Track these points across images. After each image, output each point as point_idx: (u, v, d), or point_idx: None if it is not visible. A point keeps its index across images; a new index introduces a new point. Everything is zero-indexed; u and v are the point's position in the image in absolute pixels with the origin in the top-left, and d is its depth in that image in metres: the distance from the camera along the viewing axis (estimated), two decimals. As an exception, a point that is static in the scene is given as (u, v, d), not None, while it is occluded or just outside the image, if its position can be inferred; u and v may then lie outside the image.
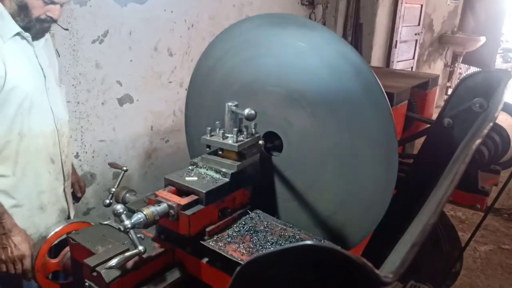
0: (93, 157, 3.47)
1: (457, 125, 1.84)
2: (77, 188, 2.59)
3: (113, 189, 2.35)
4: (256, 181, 2.01)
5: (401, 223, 1.87)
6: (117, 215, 1.61)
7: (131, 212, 2.09)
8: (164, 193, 1.78)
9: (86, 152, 3.42)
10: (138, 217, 1.61)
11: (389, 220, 1.84)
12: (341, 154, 1.89)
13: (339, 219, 1.97)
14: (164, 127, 3.97)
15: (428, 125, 2.29)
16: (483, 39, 8.93)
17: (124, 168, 2.41)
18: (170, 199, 1.73)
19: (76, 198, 2.66)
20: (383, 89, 1.69)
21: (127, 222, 1.58)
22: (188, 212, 1.70)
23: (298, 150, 2.02)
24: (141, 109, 3.74)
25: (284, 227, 1.90)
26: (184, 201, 1.72)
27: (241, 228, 1.87)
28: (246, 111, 1.75)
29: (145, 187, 3.90)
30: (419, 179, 1.92)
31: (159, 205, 1.70)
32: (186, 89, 4.00)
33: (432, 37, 8.71)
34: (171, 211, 1.70)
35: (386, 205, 1.81)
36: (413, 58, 7.86)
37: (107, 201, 2.34)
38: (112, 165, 2.53)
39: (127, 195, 2.30)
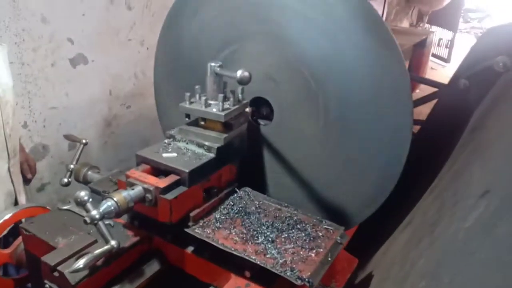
0: (44, 126, 3.05)
1: (474, 87, 1.64)
2: (26, 168, 2.21)
3: (72, 166, 2.01)
4: (243, 155, 1.74)
5: (404, 199, 1.67)
6: (81, 203, 1.31)
7: (95, 193, 1.78)
8: (137, 174, 1.47)
9: (35, 121, 2.99)
10: (107, 205, 1.31)
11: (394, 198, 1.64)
12: (342, 118, 1.63)
13: (338, 194, 1.74)
14: (124, 91, 3.56)
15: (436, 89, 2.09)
16: (448, -2, 8.82)
17: (83, 141, 2.07)
18: (145, 180, 1.43)
19: (26, 180, 2.28)
20: (394, 38, 1.43)
21: (95, 213, 1.28)
22: (169, 196, 1.41)
23: (290, 116, 1.75)
24: (98, 71, 3.31)
25: (279, 206, 1.66)
26: (163, 182, 1.42)
27: (230, 210, 1.61)
28: (239, 72, 1.45)
29: (106, 159, 3.53)
30: (427, 147, 1.72)
31: (133, 189, 1.40)
32: (147, 48, 3.61)
33: (399, -4, 8.50)
34: (148, 195, 1.41)
35: (394, 179, 1.60)
36: (382, 17, 7.65)
37: (65, 180, 2.00)
38: (68, 137, 2.17)
39: (89, 172, 1.97)
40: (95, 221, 1.27)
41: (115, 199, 1.32)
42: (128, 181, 1.45)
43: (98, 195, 1.76)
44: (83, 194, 1.30)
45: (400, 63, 1.45)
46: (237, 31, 1.80)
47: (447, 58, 9.53)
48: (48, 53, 2.99)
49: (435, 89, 2.01)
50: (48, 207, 2.00)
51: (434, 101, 1.97)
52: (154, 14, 3.70)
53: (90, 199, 1.31)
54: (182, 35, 1.94)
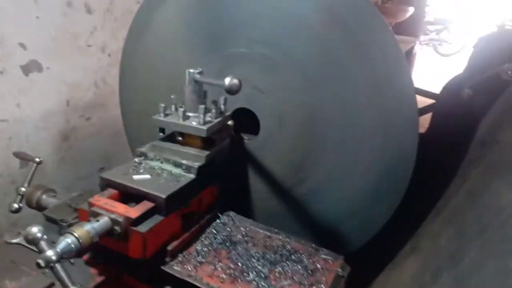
0: (-9, 141, 2.71)
1: (479, 97, 1.51)
2: None
3: (23, 189, 1.72)
4: (225, 174, 1.53)
5: (402, 216, 1.51)
6: (32, 242, 1.05)
7: (51, 222, 1.51)
8: (102, 201, 1.23)
9: (-20, 136, 2.64)
10: (66, 242, 1.05)
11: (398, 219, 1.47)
12: (341, 133, 1.46)
13: (335, 217, 1.56)
14: (84, 101, 3.25)
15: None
16: (411, 9, 8.98)
17: (37, 160, 1.79)
18: (113, 209, 1.19)
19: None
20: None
21: (51, 253, 1.02)
22: (142, 227, 1.17)
23: (280, 130, 1.56)
24: (53, 79, 2.99)
25: (268, 233, 1.46)
26: (134, 212, 1.18)
27: (213, 240, 1.38)
28: (227, 80, 1.24)
29: (63, 176, 3.20)
30: (427, 161, 1.57)
31: (97, 220, 1.15)
32: (109, 55, 3.32)
33: (362, 7, 8.54)
34: (116, 227, 1.16)
35: (397, 198, 1.43)
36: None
37: (15, 205, 1.72)
38: (18, 155, 1.89)
39: (44, 196, 1.69)
40: (52, 264, 1.02)
41: (76, 234, 1.07)
42: (91, 210, 1.20)
43: (55, 224, 1.50)
44: (35, 230, 1.04)
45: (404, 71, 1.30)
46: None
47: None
48: (-4, 59, 2.65)
49: (428, 100, 1.89)
50: (-7, 240, 1.70)
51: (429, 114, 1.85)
52: (117, 19, 3.43)
53: (45, 236, 1.06)
54: (159, 29, 1.71)
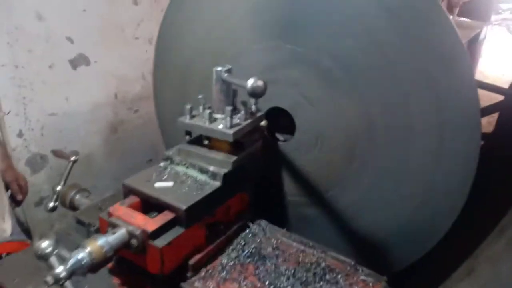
0: (42, 134, 2.78)
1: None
2: (15, 188, 1.91)
3: (58, 188, 1.72)
4: (257, 179, 1.41)
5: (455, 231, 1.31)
6: (42, 258, 1.00)
7: (80, 224, 1.48)
8: (122, 210, 1.16)
9: (32, 129, 2.71)
10: (77, 259, 0.99)
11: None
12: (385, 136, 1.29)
13: (379, 231, 1.40)
14: (132, 94, 3.27)
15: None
16: (481, -13, 8.26)
17: (72, 158, 1.78)
18: (131, 220, 1.11)
19: (16, 202, 1.99)
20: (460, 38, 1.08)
21: (60, 270, 0.96)
22: (160, 241, 1.09)
23: (316, 131, 1.41)
24: (101, 72, 3.01)
25: (302, 246, 1.32)
26: (153, 224, 1.10)
27: (241, 252, 1.28)
28: (251, 82, 1.11)
29: (112, 167, 3.25)
30: (491, 169, 1.36)
31: (114, 232, 1.08)
32: (157, 47, 3.31)
33: (428, -14, 7.99)
34: (133, 240, 1.09)
35: (453, 214, 1.24)
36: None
37: (51, 204, 1.73)
38: (56, 153, 1.90)
39: (77, 196, 1.67)
40: (61, 282, 0.96)
41: (88, 249, 1.01)
42: (110, 220, 1.13)
43: (83, 227, 1.46)
44: (45, 245, 0.99)
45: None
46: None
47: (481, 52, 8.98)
48: (45, 54, 2.71)
49: (495, 95, 1.64)
50: (29, 241, 1.71)
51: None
52: (164, 10, 3.38)
53: (55, 251, 1.00)
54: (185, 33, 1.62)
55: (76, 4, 2.76)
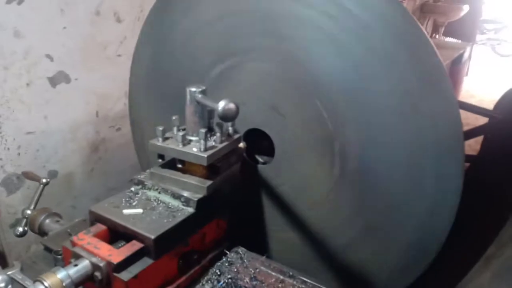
0: (18, 154, 2.68)
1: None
2: None
3: (28, 212, 1.63)
4: (235, 203, 1.34)
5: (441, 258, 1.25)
6: (-7, 294, 0.92)
7: (48, 251, 1.39)
8: (86, 239, 1.08)
9: (8, 149, 2.62)
10: (33, 295, 0.91)
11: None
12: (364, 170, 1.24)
13: (357, 259, 1.33)
14: (114, 112, 3.19)
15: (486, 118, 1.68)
16: (466, 8, 8.39)
17: (43, 180, 1.70)
18: (95, 251, 1.04)
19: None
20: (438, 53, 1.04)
21: (12, 308, 0.88)
22: (125, 275, 1.01)
23: (296, 154, 1.36)
24: (82, 90, 2.94)
25: (281, 276, 1.25)
26: (118, 255, 1.03)
27: (215, 283, 1.20)
28: (222, 104, 1.05)
29: (93, 188, 3.15)
30: (475, 194, 1.31)
31: (76, 264, 1.01)
32: (140, 64, 3.25)
33: (414, 6, 8.10)
34: (97, 273, 1.01)
35: (437, 244, 1.18)
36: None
37: (20, 229, 1.63)
38: (27, 175, 1.81)
39: (47, 221, 1.59)
40: (13, 321, 0.88)
41: (46, 284, 0.93)
42: (73, 250, 1.06)
43: (51, 254, 1.38)
44: (-3, 280, 0.91)
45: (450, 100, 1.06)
46: (238, 42, 1.42)
47: (465, 72, 9.09)
48: (22, 72, 2.63)
49: (479, 117, 1.61)
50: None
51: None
52: (148, 27, 3.33)
53: (10, 286, 0.92)
54: (168, 38, 1.56)
55: (56, 22, 2.70)
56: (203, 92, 1.17)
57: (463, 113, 1.23)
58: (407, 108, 1.15)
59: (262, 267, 1.28)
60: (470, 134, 1.75)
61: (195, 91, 1.17)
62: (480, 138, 1.99)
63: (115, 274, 1.00)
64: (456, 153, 1.13)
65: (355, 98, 1.21)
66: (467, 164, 1.70)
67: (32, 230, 1.60)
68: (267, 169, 1.43)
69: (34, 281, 0.95)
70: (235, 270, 1.26)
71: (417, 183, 1.18)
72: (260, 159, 1.46)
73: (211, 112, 1.24)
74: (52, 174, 2.92)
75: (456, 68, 2.03)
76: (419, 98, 1.13)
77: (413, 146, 1.16)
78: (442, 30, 9.25)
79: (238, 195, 1.34)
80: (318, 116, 1.26)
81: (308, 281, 1.24)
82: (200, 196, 1.17)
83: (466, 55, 2.10)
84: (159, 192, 1.22)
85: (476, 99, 6.07)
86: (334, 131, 1.25)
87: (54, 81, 2.78)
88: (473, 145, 2.44)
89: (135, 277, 1.01)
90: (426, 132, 1.14)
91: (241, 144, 1.34)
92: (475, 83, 7.38)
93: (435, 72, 1.10)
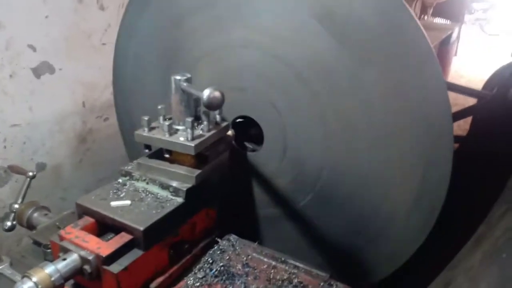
0: (5, 147, 2.64)
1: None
2: None
3: (16, 206, 1.61)
4: (225, 192, 1.33)
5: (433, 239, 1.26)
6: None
7: (37, 245, 1.38)
8: (74, 232, 1.07)
9: (-6, 142, 2.58)
10: (22, 290, 0.90)
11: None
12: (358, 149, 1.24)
13: (354, 241, 1.34)
14: (100, 101, 3.14)
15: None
16: (454, -12, 8.37)
17: (30, 174, 1.67)
18: (83, 244, 1.03)
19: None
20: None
21: (0, 304, 0.87)
22: (115, 267, 1.00)
23: (288, 139, 1.34)
24: (67, 80, 2.89)
25: (273, 262, 1.25)
26: (107, 248, 1.02)
27: (208, 271, 1.20)
28: (207, 92, 1.04)
29: (81, 179, 3.12)
30: (465, 174, 1.31)
31: (64, 258, 1.00)
32: (126, 52, 3.20)
33: (401, -13, 8.04)
34: (86, 266, 1.00)
35: (431, 218, 1.18)
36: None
37: (9, 223, 1.61)
38: (13, 168, 1.78)
39: (35, 215, 1.57)
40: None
41: (34, 279, 0.92)
42: (61, 244, 1.04)
43: (40, 247, 1.36)
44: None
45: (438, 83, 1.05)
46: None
47: (454, 52, 9.09)
48: (4, 63, 2.58)
49: (467, 98, 1.61)
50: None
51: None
52: (132, 14, 3.26)
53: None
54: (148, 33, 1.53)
55: (38, 11, 2.63)
56: (188, 80, 1.15)
57: (453, 94, 1.22)
58: (395, 91, 1.14)
59: (254, 254, 1.27)
60: (460, 115, 1.75)
61: (179, 79, 1.14)
62: (469, 119, 2.00)
63: (105, 267, 0.99)
64: (446, 134, 1.13)
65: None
66: (456, 145, 1.70)
67: (21, 224, 1.58)
68: (255, 155, 1.41)
69: (22, 277, 0.94)
70: (227, 257, 1.25)
71: (407, 166, 1.18)
72: (249, 146, 1.45)
73: (197, 101, 1.22)
74: (40, 167, 2.88)
75: (444, 49, 2.02)
76: (408, 81, 1.12)
77: (403, 128, 1.15)
78: (430, 11, 9.24)
79: (227, 183, 1.33)
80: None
81: (301, 265, 1.24)
82: (189, 185, 1.16)
83: (454, 35, 2.09)
84: (147, 183, 1.20)
85: (465, 79, 6.08)
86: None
87: (38, 71, 2.73)
88: (462, 126, 2.45)
89: (125, 269, 1.00)
90: (415, 114, 1.13)
91: (230, 132, 1.32)
92: (464, 63, 7.39)
93: (423, 54, 1.08)
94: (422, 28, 1.08)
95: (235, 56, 1.33)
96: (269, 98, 1.31)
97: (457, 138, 1.71)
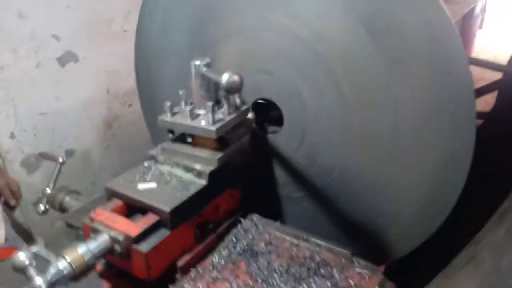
0: (35, 135, 2.74)
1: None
2: (7, 193, 1.88)
3: (48, 190, 1.68)
4: (247, 173, 1.37)
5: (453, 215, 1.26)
6: (20, 270, 0.96)
7: (70, 228, 1.45)
8: (104, 214, 1.12)
9: (24, 130, 2.68)
10: (57, 269, 0.96)
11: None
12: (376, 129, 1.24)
13: (376, 219, 1.35)
14: (124, 88, 3.21)
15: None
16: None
17: (60, 160, 1.73)
18: (113, 225, 1.08)
19: (9, 207, 1.96)
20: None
21: (39, 282, 0.93)
22: (144, 246, 1.05)
23: (307, 123, 1.36)
24: (91, 68, 2.96)
25: (295, 240, 1.28)
26: (136, 228, 1.06)
27: (232, 250, 1.24)
28: (226, 77, 1.06)
29: (110, 164, 3.22)
30: (490, 150, 1.30)
31: (96, 239, 1.05)
32: (147, 39, 3.24)
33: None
34: (117, 246, 1.06)
35: (454, 195, 1.18)
36: None
37: (42, 207, 1.69)
38: (43, 155, 1.85)
39: (67, 199, 1.64)
40: (41, 294, 0.93)
41: (68, 259, 0.98)
42: (92, 226, 1.10)
43: (72, 230, 1.44)
44: (22, 257, 0.96)
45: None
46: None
47: (479, 24, 8.76)
48: (30, 53, 2.65)
49: (494, 73, 1.57)
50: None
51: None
52: (151, -1, 3.29)
53: (34, 262, 0.97)
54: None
55: (59, 1, 2.69)
56: (208, 65, 1.17)
57: (479, 69, 1.20)
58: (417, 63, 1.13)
59: (276, 232, 1.31)
60: (484, 90, 1.71)
61: (199, 65, 1.17)
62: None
63: (134, 247, 1.04)
64: (468, 110, 1.12)
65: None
66: (480, 121, 1.67)
67: (53, 208, 1.66)
68: (276, 137, 1.43)
69: (57, 257, 1.00)
70: (250, 236, 1.29)
71: (430, 134, 1.18)
72: (269, 129, 1.47)
73: (217, 85, 1.24)
74: (70, 153, 2.98)
75: (467, 23, 1.96)
76: (427, 58, 1.11)
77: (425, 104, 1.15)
78: (454, -19, 8.93)
79: (248, 164, 1.35)
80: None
81: (322, 243, 1.27)
82: (211, 168, 1.19)
83: (478, 9, 2.02)
84: (172, 167, 1.24)
85: (492, 54, 5.89)
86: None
87: (62, 61, 2.80)
88: (489, 101, 2.39)
89: (154, 248, 1.05)
90: (437, 90, 1.13)
91: (250, 115, 1.35)
92: (491, 37, 7.11)
93: (444, 31, 1.07)
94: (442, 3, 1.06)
95: (267, 40, 1.33)
96: (295, 85, 1.31)
97: (481, 114, 1.69)
